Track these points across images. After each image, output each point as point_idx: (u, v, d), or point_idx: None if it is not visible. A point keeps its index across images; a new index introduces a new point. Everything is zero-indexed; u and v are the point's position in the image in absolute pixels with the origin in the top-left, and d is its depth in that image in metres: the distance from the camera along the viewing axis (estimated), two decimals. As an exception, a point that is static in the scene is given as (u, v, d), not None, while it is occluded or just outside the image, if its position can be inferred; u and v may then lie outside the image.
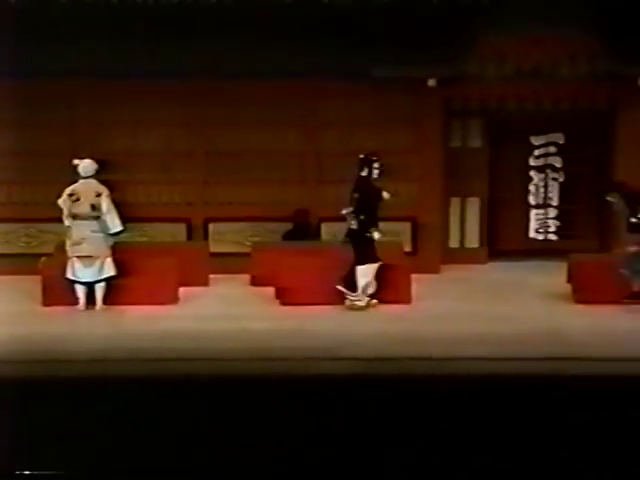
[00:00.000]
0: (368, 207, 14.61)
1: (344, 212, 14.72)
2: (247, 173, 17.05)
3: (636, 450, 10.06)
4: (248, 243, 16.62)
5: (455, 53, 16.34)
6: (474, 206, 17.57)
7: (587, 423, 10.23)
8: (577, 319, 13.96)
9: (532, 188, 17.62)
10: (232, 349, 12.59)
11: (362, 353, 12.48)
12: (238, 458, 10.11)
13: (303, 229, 17.10)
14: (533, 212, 17.72)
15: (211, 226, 17.29)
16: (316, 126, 17.21)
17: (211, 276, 16.00)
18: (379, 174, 14.75)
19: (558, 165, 17.54)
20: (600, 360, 12.13)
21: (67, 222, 14.70)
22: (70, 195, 14.67)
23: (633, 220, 14.46)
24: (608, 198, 14.99)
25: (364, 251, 14.62)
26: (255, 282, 15.71)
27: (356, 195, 14.64)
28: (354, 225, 14.61)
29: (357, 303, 14.64)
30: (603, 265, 14.66)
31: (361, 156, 14.80)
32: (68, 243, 14.68)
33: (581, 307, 14.44)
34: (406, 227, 17.20)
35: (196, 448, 10.23)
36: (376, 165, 14.72)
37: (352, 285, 14.66)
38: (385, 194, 14.60)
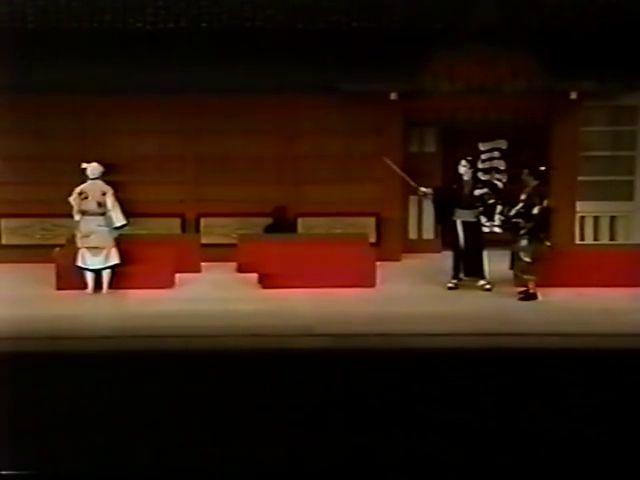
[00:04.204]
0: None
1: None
2: (233, 175, 17.05)
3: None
4: (234, 235, 16.55)
5: (413, 71, 16.41)
6: (430, 203, 17.58)
7: (527, 394, 10.34)
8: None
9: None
10: (221, 327, 12.67)
11: (333, 330, 12.57)
12: (223, 424, 10.16)
13: (282, 223, 17.11)
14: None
15: (202, 220, 17.27)
16: (293, 134, 17.17)
17: (202, 264, 16.00)
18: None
19: (502, 168, 17.59)
20: (538, 335, 12.36)
21: (77, 217, 14.77)
22: (80, 194, 14.74)
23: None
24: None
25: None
26: (241, 269, 15.68)
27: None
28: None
29: (488, 286, 14.84)
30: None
31: None
32: (78, 236, 14.75)
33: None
34: (371, 221, 17.21)
35: (188, 415, 10.26)
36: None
37: (480, 271, 14.86)
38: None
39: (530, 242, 14.30)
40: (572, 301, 14.04)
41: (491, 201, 14.90)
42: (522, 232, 14.31)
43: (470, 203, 14.85)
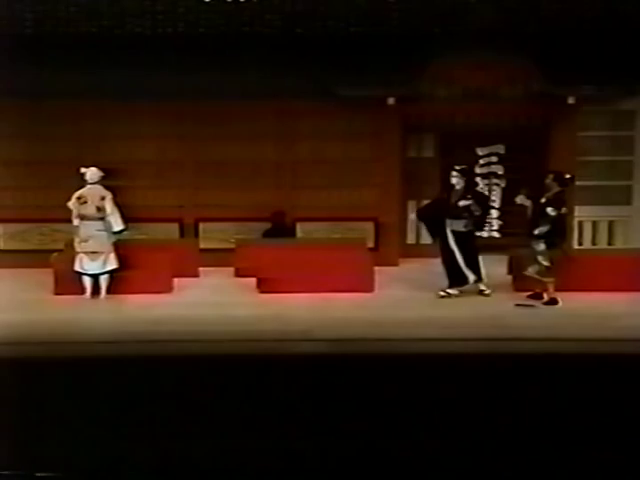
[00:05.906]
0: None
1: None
2: (231, 179, 17.05)
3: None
4: (232, 240, 16.46)
5: (411, 75, 16.39)
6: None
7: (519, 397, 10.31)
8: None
9: (477, 192, 17.67)
10: (219, 332, 12.65)
11: (331, 335, 12.54)
12: (220, 428, 10.13)
13: (280, 228, 17.11)
14: (478, 213, 17.76)
15: (200, 225, 17.26)
16: (291, 139, 17.17)
17: (200, 269, 15.99)
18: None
19: (500, 172, 17.57)
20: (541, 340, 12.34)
21: (76, 222, 14.74)
22: (78, 198, 14.71)
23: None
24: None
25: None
26: (239, 274, 15.67)
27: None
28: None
29: (486, 291, 14.81)
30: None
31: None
32: (76, 240, 14.72)
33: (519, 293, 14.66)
34: (369, 226, 17.19)
35: (186, 420, 10.23)
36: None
37: (478, 274, 14.79)
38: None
39: (548, 246, 14.25)
40: (574, 306, 14.00)
41: (477, 213, 14.74)
42: (537, 233, 14.25)
43: (458, 213, 14.71)
